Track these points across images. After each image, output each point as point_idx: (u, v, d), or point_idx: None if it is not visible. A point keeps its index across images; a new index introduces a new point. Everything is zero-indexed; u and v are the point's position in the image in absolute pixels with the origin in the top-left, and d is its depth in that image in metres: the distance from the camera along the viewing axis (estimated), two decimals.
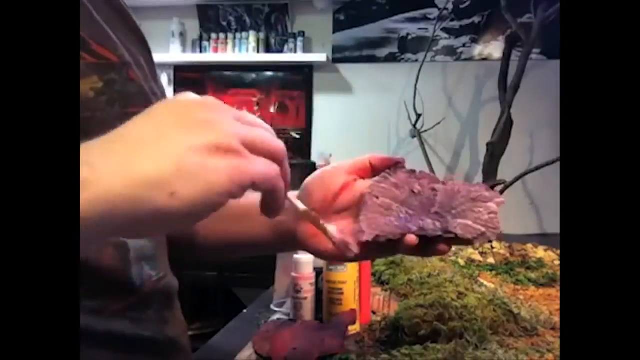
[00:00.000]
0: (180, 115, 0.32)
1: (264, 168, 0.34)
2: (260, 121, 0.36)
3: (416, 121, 2.36)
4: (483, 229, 0.47)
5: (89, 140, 0.30)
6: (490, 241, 0.48)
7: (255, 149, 0.33)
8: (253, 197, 0.57)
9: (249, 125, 0.35)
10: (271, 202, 0.37)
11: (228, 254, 0.67)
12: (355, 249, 0.46)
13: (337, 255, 0.50)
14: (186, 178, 0.30)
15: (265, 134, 0.35)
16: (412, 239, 0.46)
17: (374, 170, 0.49)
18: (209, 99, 0.34)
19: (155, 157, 0.30)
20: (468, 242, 0.47)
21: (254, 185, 0.33)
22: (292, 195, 0.45)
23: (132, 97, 0.48)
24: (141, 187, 0.29)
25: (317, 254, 0.52)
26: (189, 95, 0.34)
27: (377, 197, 0.47)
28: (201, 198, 0.31)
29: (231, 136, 0.32)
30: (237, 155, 0.32)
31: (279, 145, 0.35)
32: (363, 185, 0.49)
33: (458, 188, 0.48)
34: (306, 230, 0.50)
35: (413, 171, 0.48)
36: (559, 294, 1.03)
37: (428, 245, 0.47)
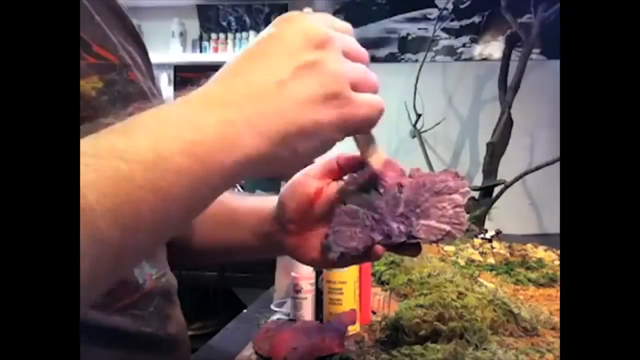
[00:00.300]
0: (296, 56, 0.34)
1: (368, 112, 0.36)
2: (362, 49, 0.38)
3: (416, 121, 2.36)
4: (447, 228, 0.43)
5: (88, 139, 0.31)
6: (455, 238, 0.44)
7: (362, 89, 0.36)
8: (240, 204, 0.57)
9: (355, 59, 0.36)
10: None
11: (219, 259, 0.68)
12: (330, 255, 0.45)
13: (320, 264, 0.50)
14: (305, 137, 0.34)
15: (368, 71, 0.38)
16: (379, 250, 0.44)
17: (342, 171, 0.48)
18: (322, 31, 0.35)
19: (279, 115, 0.33)
20: (433, 242, 0.44)
21: (359, 129, 0.38)
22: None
23: (132, 97, 0.49)
24: (273, 146, 0.33)
25: (303, 262, 0.52)
26: (304, 29, 0.35)
27: (345, 203, 0.45)
28: (315, 152, 0.36)
29: (341, 81, 0.34)
30: (346, 103, 0.35)
31: (376, 81, 0.38)
32: (335, 187, 0.47)
33: (423, 180, 0.45)
34: (293, 241, 0.50)
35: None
36: (559, 294, 1.03)
37: (395, 249, 0.45)
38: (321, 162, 0.48)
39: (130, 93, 0.49)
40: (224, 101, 0.33)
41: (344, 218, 0.45)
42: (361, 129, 0.38)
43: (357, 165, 0.47)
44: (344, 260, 0.46)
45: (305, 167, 0.41)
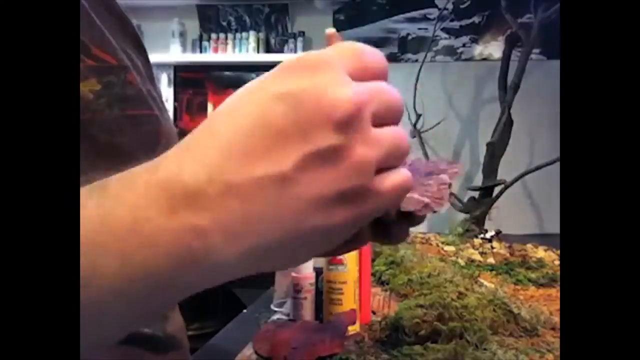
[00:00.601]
0: (303, 139, 0.24)
1: (391, 201, 0.28)
2: (397, 100, 0.27)
3: (416, 121, 2.37)
4: (427, 200, 0.41)
5: (87, 141, 0.30)
6: (435, 212, 0.41)
7: (388, 163, 0.27)
8: None
9: (387, 122, 0.27)
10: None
11: None
12: None
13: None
14: (307, 246, 0.26)
15: (402, 135, 0.27)
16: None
17: None
18: (341, 99, 0.24)
19: (271, 222, 0.24)
20: (410, 213, 0.40)
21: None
22: None
23: (130, 99, 0.49)
24: (256, 260, 0.26)
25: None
26: (315, 91, 0.24)
27: None
28: (314, 255, 0.28)
29: (365, 172, 0.25)
30: (367, 197, 0.26)
31: (407, 143, 0.28)
32: None
33: (418, 166, 0.44)
34: None
35: None
36: (559, 294, 1.03)
37: (383, 230, 0.40)
38: None
39: (129, 95, 0.49)
40: (197, 198, 0.24)
41: None
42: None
43: None
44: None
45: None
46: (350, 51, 0.27)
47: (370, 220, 0.27)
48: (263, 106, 0.25)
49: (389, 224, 0.36)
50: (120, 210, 0.25)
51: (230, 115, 0.25)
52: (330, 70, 0.25)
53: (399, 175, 0.27)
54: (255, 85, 0.26)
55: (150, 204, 0.24)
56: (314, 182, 0.24)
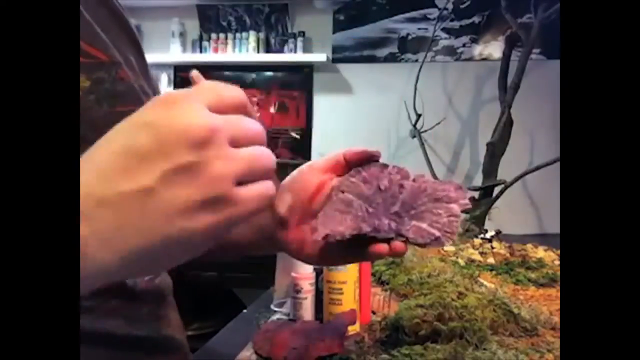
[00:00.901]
0: (164, 158, 0.28)
1: (256, 206, 0.31)
2: (252, 124, 0.32)
3: (416, 121, 2.36)
4: (438, 234, 0.43)
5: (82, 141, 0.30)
6: (444, 246, 0.44)
7: (250, 179, 0.31)
8: None
9: (245, 142, 0.31)
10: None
11: (218, 256, 0.67)
12: (315, 235, 0.44)
13: (314, 259, 0.49)
14: (177, 248, 0.30)
15: (261, 151, 0.32)
16: (379, 249, 0.43)
17: (349, 165, 0.48)
18: (197, 123, 0.29)
19: (140, 229, 0.28)
20: (420, 245, 0.44)
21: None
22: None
23: (121, 96, 0.48)
24: (135, 262, 0.29)
25: (297, 258, 0.51)
26: (173, 118, 0.29)
27: (343, 192, 0.45)
28: (186, 258, 0.31)
29: (223, 182, 0.29)
30: (229, 203, 0.30)
31: (271, 158, 0.33)
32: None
33: (425, 186, 0.45)
34: (288, 235, 0.49)
35: (386, 165, 0.46)
36: (559, 294, 1.03)
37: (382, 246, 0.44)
38: (327, 156, 0.49)
39: (119, 92, 0.48)
40: (81, 212, 0.28)
41: (339, 205, 0.45)
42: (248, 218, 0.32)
43: (364, 160, 0.47)
44: (329, 252, 0.46)
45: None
46: (209, 88, 0.32)
47: (233, 225, 0.31)
48: (128, 133, 0.29)
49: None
50: None
51: (103, 143, 0.30)
52: (187, 102, 0.30)
53: (260, 186, 0.32)
54: (128, 118, 0.30)
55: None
56: (175, 193, 0.28)
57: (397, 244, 0.43)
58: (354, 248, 0.45)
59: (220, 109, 0.31)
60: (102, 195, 0.28)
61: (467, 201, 0.44)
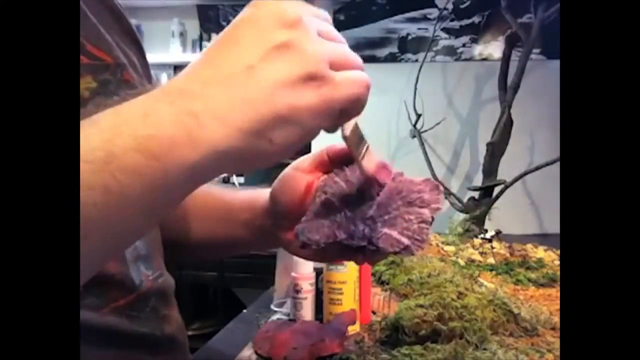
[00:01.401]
0: (265, 38, 0.31)
1: (352, 91, 0.33)
2: (336, 32, 0.35)
3: (416, 121, 2.36)
4: (407, 242, 0.41)
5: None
6: (413, 254, 0.42)
7: (342, 66, 0.33)
8: (233, 198, 0.57)
9: (331, 39, 0.34)
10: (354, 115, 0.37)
11: (215, 254, 0.67)
12: (295, 243, 0.44)
13: (316, 258, 0.50)
14: (281, 124, 0.31)
15: (347, 48, 0.35)
16: (356, 259, 0.43)
17: (331, 162, 0.47)
18: (291, 10, 0.32)
19: (250, 102, 0.30)
20: (390, 254, 0.42)
21: (344, 109, 0.34)
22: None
23: (126, 98, 0.49)
24: (245, 138, 0.30)
25: (299, 257, 0.52)
26: (271, 8, 0.32)
27: (325, 193, 0.44)
28: (295, 139, 0.32)
29: (319, 61, 0.31)
30: (326, 82, 0.32)
31: (358, 58, 0.35)
32: None
33: (401, 187, 0.43)
34: (287, 236, 0.49)
35: None
36: (559, 294, 1.03)
37: (353, 252, 0.44)
38: (311, 155, 0.48)
39: (125, 94, 0.49)
40: (185, 91, 0.30)
41: (319, 209, 0.44)
42: (348, 110, 0.34)
43: (347, 157, 0.46)
44: (307, 252, 0.46)
45: (287, 157, 0.36)
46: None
47: (337, 108, 0.33)
48: (233, 25, 0.33)
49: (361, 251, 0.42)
50: (134, 108, 0.31)
51: (214, 41, 0.33)
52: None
53: (356, 73, 0.34)
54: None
55: (156, 101, 0.31)
56: (276, 68, 0.31)
57: (365, 257, 0.43)
58: (343, 251, 0.44)
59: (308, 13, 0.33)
60: (209, 75, 0.31)
61: (439, 205, 0.42)
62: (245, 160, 0.32)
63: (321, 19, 0.35)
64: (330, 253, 0.45)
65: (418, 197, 0.42)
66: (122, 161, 0.28)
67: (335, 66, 0.33)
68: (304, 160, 0.48)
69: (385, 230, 0.41)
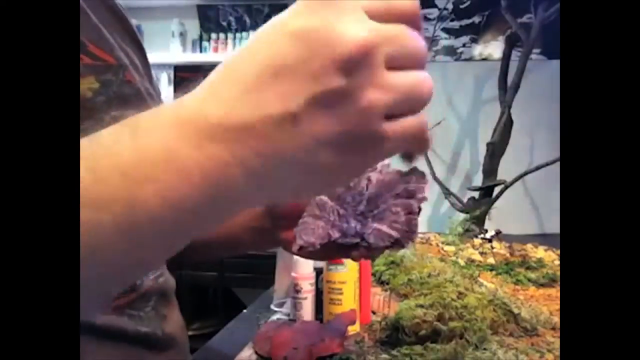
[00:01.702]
0: (311, 81, 0.24)
1: (409, 146, 0.28)
2: (415, 44, 0.27)
3: None
4: (396, 235, 0.40)
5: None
6: (404, 247, 0.41)
7: (403, 108, 0.26)
8: None
9: (399, 59, 0.26)
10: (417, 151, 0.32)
11: (216, 254, 0.67)
12: (292, 247, 0.44)
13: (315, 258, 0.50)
14: (316, 183, 0.28)
15: (413, 84, 0.26)
16: (351, 256, 0.43)
17: None
18: (349, 39, 0.24)
19: (287, 157, 0.26)
20: (382, 249, 0.42)
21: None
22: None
23: (128, 98, 0.49)
24: (274, 194, 0.28)
25: (301, 256, 0.52)
26: (323, 32, 0.24)
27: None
28: (322, 192, 0.31)
29: (370, 117, 0.25)
30: (377, 141, 0.26)
31: (429, 89, 0.27)
32: None
33: (389, 179, 0.42)
34: (286, 237, 0.49)
35: None
36: (559, 294, 1.03)
37: (347, 250, 0.44)
38: None
39: (126, 94, 0.49)
40: (217, 132, 0.25)
41: (314, 209, 0.43)
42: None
43: None
44: (305, 254, 0.45)
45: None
46: None
47: (379, 162, 0.29)
48: (277, 44, 0.25)
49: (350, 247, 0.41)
50: (154, 143, 0.26)
51: (247, 54, 0.26)
52: (345, 6, 0.25)
53: (412, 122, 0.27)
54: (272, 23, 0.27)
55: (179, 137, 0.26)
56: (322, 122, 0.25)
57: (358, 252, 0.42)
58: (338, 249, 0.45)
59: (384, 17, 0.26)
60: (246, 118, 0.25)
61: (424, 195, 0.40)
62: (264, 205, 0.30)
63: (402, 27, 0.26)
64: (328, 252, 0.45)
65: (403, 189, 0.41)
66: (143, 208, 0.26)
67: (395, 110, 0.26)
68: None
69: (375, 225, 0.41)
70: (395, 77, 0.26)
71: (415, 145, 0.29)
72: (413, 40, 0.26)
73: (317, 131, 0.25)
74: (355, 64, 0.24)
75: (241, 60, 0.26)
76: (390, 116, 0.26)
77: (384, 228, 0.41)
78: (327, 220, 0.42)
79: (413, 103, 0.27)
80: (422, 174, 0.41)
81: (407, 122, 0.27)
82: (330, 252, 0.45)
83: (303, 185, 0.28)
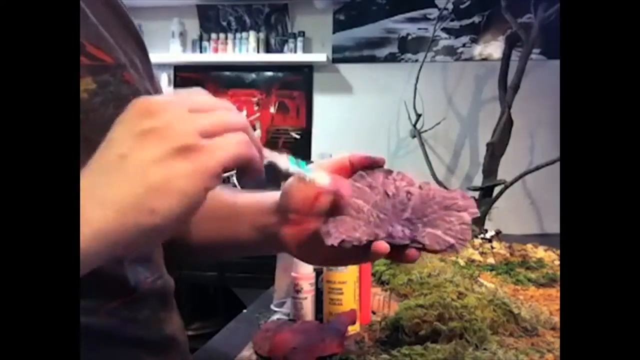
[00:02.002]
0: (132, 130, 0.33)
1: (228, 153, 0.34)
2: (214, 100, 0.36)
3: (416, 121, 2.36)
4: (452, 241, 0.45)
5: (82, 142, 0.31)
6: (458, 252, 0.46)
7: (215, 133, 0.34)
8: (238, 197, 0.57)
9: (204, 111, 0.35)
10: (248, 170, 0.37)
11: (218, 255, 0.67)
12: (330, 240, 0.45)
13: (314, 259, 0.50)
14: (158, 194, 0.32)
15: (223, 114, 0.35)
16: (381, 247, 0.44)
17: (353, 169, 0.48)
18: (154, 101, 0.34)
19: (124, 181, 0.32)
20: (435, 252, 0.45)
21: (226, 168, 0.34)
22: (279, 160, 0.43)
23: (126, 98, 0.48)
24: (123, 214, 0.31)
25: (298, 257, 0.52)
26: (136, 105, 0.34)
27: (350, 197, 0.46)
28: (178, 207, 0.33)
29: (186, 134, 0.33)
30: (198, 151, 0.33)
31: (239, 120, 0.36)
32: None
33: (433, 194, 0.46)
34: (290, 231, 0.49)
35: (390, 171, 0.47)
36: (559, 294, 1.03)
37: (396, 251, 0.45)
38: (332, 160, 0.49)
39: (124, 94, 0.48)
40: (83, 186, 0.31)
41: (349, 211, 0.45)
42: (230, 166, 0.35)
43: (368, 165, 0.48)
44: (337, 254, 0.46)
45: (185, 222, 0.36)
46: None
47: (214, 170, 0.34)
48: (111, 128, 0.34)
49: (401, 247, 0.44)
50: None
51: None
52: (150, 97, 0.34)
53: (231, 136, 0.34)
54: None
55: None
56: (146, 150, 0.32)
57: (413, 252, 0.45)
58: (354, 251, 0.45)
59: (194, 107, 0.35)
60: (91, 169, 0.32)
61: (476, 210, 0.46)
62: (133, 236, 0.32)
63: (196, 96, 0.36)
64: (342, 255, 0.46)
65: (453, 203, 0.46)
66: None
67: (209, 134, 0.34)
68: (323, 162, 0.49)
69: (428, 229, 0.45)
70: (197, 114, 0.34)
71: (242, 153, 0.35)
72: (203, 99, 0.36)
73: (146, 156, 0.32)
74: (158, 111, 0.33)
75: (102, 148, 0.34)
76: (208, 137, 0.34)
77: (439, 233, 0.45)
78: (366, 221, 0.45)
79: (225, 125, 0.35)
80: (465, 193, 0.47)
81: (225, 137, 0.34)
82: (353, 252, 0.46)
83: (146, 203, 0.32)
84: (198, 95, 0.36)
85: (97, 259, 0.31)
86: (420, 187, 0.47)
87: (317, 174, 0.45)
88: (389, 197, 0.46)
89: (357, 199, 0.46)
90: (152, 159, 0.32)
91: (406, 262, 0.47)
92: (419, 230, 0.45)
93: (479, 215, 0.45)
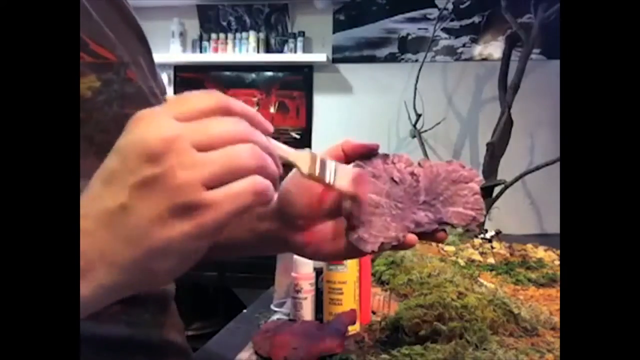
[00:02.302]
0: (133, 175, 0.30)
1: (230, 208, 0.31)
2: (219, 106, 0.32)
3: (416, 121, 2.36)
4: (473, 213, 0.44)
5: (83, 141, 0.31)
6: (480, 223, 0.46)
7: (221, 179, 0.31)
8: None
9: (205, 145, 0.31)
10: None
11: (218, 257, 0.65)
12: (369, 247, 0.43)
13: (335, 257, 0.48)
14: (159, 256, 0.31)
15: (223, 157, 0.31)
16: (413, 240, 0.44)
17: (347, 159, 0.46)
18: (154, 142, 0.30)
19: (127, 241, 0.30)
20: (462, 227, 0.45)
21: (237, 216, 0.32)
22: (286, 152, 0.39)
23: (130, 97, 0.48)
24: (126, 273, 0.31)
25: (316, 258, 0.50)
26: (131, 137, 0.31)
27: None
28: (179, 266, 0.32)
29: (189, 188, 0.30)
30: (201, 208, 0.30)
31: (246, 132, 0.32)
32: None
33: (437, 170, 0.45)
34: (302, 238, 0.47)
35: (387, 155, 0.45)
36: (559, 294, 1.03)
37: (423, 236, 0.45)
38: (324, 151, 0.46)
39: (128, 93, 0.48)
40: (84, 228, 0.30)
41: (367, 208, 0.43)
42: (241, 212, 0.32)
43: (363, 152, 0.45)
44: (350, 247, 0.45)
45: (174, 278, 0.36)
46: (175, 99, 0.32)
47: (214, 230, 0.31)
48: (108, 157, 0.31)
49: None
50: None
51: (101, 167, 0.32)
52: (151, 117, 0.31)
53: (237, 185, 0.31)
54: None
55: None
56: (146, 204, 0.30)
57: (442, 234, 0.45)
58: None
59: (187, 117, 0.31)
60: (96, 213, 0.30)
61: (480, 177, 0.46)
62: (133, 290, 0.33)
63: (206, 120, 0.32)
64: (355, 249, 0.45)
65: (459, 175, 0.45)
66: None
67: (215, 183, 0.31)
68: (317, 155, 0.47)
69: (451, 208, 0.45)
70: (206, 155, 0.31)
71: (253, 202, 0.32)
72: (218, 124, 0.32)
73: (145, 212, 0.30)
74: (160, 154, 0.30)
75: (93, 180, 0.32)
76: (213, 186, 0.31)
77: (461, 210, 0.45)
78: (391, 215, 0.44)
79: (233, 170, 0.31)
80: (462, 163, 0.46)
81: (230, 187, 0.31)
82: (400, 246, 0.45)
83: (156, 265, 0.31)
84: (205, 121, 0.32)
85: (95, 308, 0.32)
86: (420, 165, 0.46)
87: (338, 178, 0.41)
88: (397, 184, 0.44)
89: (370, 194, 0.44)
90: (152, 217, 0.30)
91: (439, 242, 0.47)
92: (441, 211, 0.44)
93: (484, 182, 0.45)
